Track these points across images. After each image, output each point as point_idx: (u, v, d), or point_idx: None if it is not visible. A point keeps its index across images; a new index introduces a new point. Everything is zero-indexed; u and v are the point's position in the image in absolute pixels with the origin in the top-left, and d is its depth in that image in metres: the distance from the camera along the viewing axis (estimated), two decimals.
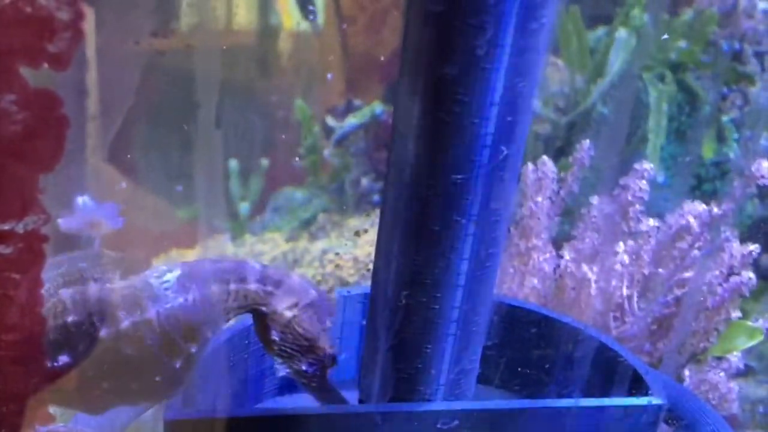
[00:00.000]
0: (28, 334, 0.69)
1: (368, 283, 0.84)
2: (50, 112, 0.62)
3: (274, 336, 0.76)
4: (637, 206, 1.32)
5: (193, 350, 0.73)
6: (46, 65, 0.60)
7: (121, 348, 0.71)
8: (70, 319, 0.70)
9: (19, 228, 0.64)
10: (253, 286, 0.75)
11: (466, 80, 0.66)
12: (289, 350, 0.77)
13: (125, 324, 0.70)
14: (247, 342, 0.91)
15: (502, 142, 0.70)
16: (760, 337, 1.41)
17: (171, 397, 0.76)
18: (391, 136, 0.74)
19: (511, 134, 0.70)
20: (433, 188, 0.71)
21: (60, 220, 0.73)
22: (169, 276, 0.72)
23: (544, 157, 1.36)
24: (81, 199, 0.74)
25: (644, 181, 1.31)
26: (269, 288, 0.76)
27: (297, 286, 0.77)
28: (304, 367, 0.77)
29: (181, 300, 0.71)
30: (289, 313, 0.76)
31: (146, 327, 0.70)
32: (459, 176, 0.70)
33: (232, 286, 0.74)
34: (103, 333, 0.70)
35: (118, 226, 0.79)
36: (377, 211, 0.80)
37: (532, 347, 0.98)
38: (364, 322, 0.86)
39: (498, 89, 0.67)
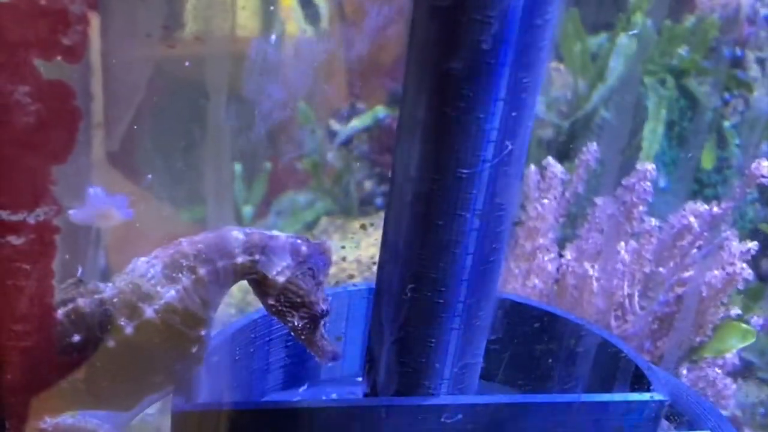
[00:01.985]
0: (37, 324, 0.70)
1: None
2: (63, 104, 0.63)
3: (271, 300, 0.75)
4: (641, 207, 1.33)
5: (203, 333, 0.73)
6: (59, 57, 0.61)
7: (133, 352, 0.71)
8: (75, 339, 0.71)
9: (31, 219, 0.65)
10: (240, 258, 0.73)
11: (472, 75, 0.67)
12: (283, 309, 0.76)
13: (129, 330, 0.70)
14: (253, 336, 0.92)
15: (507, 137, 0.71)
16: (752, 339, 1.42)
17: (195, 376, 0.76)
18: (397, 131, 0.75)
19: (515, 129, 0.71)
20: (438, 183, 0.72)
21: (70, 212, 0.73)
22: (152, 271, 0.71)
23: (549, 158, 1.37)
24: (92, 191, 0.75)
25: (648, 183, 1.32)
26: (257, 256, 0.74)
27: (285, 247, 0.75)
28: (296, 322, 0.76)
29: (172, 292, 0.71)
30: (281, 279, 0.74)
31: (149, 327, 0.70)
32: (464, 171, 0.71)
33: (220, 264, 0.72)
34: (111, 344, 0.71)
35: (128, 218, 0.79)
36: (380, 214, 0.80)
37: (534, 343, 0.99)
38: (369, 317, 0.86)
39: (503, 85, 0.68)
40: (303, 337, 0.78)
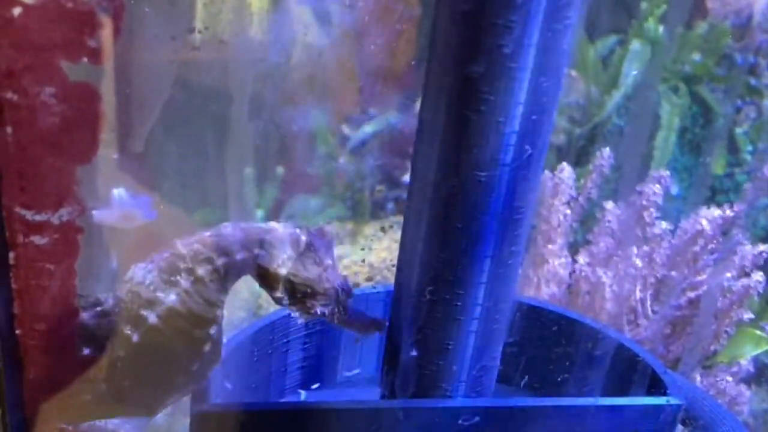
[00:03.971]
0: (59, 324, 0.70)
1: None
2: (88, 106, 0.64)
3: (279, 294, 0.74)
4: (652, 210, 1.33)
5: (212, 331, 0.72)
6: (85, 59, 0.62)
7: (145, 359, 0.71)
8: (85, 353, 0.71)
9: (55, 219, 0.66)
10: (239, 255, 0.72)
11: (492, 79, 0.68)
12: (298, 302, 0.75)
13: (136, 339, 0.70)
14: (270, 338, 0.92)
15: (527, 141, 0.71)
16: (767, 347, 1.42)
17: (213, 372, 0.76)
18: (417, 135, 0.75)
19: (535, 133, 0.71)
20: (457, 186, 0.72)
21: (94, 212, 0.74)
22: (149, 277, 0.70)
23: (564, 164, 1.37)
24: (116, 192, 0.75)
25: (658, 186, 1.32)
26: (256, 251, 0.73)
27: (283, 239, 0.74)
28: (319, 311, 0.75)
29: (173, 296, 0.70)
30: (283, 270, 0.73)
31: (155, 333, 0.70)
32: (483, 174, 0.71)
33: (218, 263, 0.71)
34: (121, 353, 0.71)
35: (151, 218, 0.80)
36: (391, 219, 0.80)
37: (551, 346, 0.99)
38: (386, 319, 0.87)
39: (523, 88, 0.69)
40: (337, 321, 0.77)
